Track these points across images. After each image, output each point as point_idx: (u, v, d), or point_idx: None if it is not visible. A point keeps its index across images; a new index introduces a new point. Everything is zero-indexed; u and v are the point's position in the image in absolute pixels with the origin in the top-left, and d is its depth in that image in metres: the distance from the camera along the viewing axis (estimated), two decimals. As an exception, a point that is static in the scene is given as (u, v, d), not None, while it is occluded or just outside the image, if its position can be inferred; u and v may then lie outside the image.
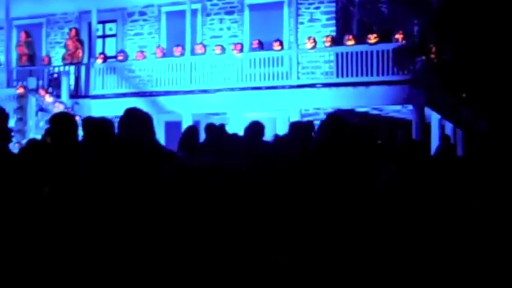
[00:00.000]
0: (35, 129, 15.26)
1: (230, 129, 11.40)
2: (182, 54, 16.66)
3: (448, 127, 16.97)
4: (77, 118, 4.85)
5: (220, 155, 5.20)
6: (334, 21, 16.67)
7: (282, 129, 13.67)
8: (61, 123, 4.12)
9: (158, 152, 4.01)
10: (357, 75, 14.83)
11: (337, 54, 15.19)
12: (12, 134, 9.03)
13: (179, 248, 3.22)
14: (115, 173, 3.57)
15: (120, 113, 4.34)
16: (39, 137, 8.13)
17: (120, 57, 17.48)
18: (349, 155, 3.50)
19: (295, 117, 14.41)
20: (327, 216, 3.23)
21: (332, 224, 3.22)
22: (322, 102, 15.33)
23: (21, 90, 16.40)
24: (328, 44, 15.44)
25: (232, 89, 15.79)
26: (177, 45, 16.75)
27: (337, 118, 3.75)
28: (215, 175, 3.33)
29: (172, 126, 16.73)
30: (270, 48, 15.85)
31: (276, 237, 3.14)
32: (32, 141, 7.86)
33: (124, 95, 16.44)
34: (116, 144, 3.96)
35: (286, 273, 3.06)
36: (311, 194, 3.27)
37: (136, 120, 4.02)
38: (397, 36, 14.66)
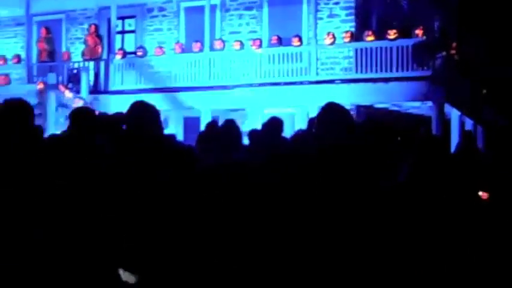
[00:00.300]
0: (55, 125, 15.34)
1: (249, 125, 11.39)
2: (201, 50, 16.66)
3: (468, 123, 16.83)
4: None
5: (236, 152, 5.18)
6: (353, 17, 16.57)
7: (301, 125, 13.62)
8: (80, 118, 4.12)
9: (168, 147, 3.99)
10: (376, 71, 14.76)
11: (356, 50, 15.12)
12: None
13: (185, 246, 3.22)
14: (127, 169, 3.56)
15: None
16: (59, 132, 8.17)
17: (139, 53, 17.54)
18: (360, 152, 3.47)
19: (314, 113, 14.29)
20: (342, 214, 3.20)
21: (348, 222, 3.20)
22: (341, 98, 15.14)
23: (41, 86, 16.51)
24: (347, 39, 15.38)
25: (251, 85, 15.77)
26: (196, 41, 16.76)
27: (335, 110, 3.69)
28: (225, 174, 3.31)
29: (191, 122, 16.76)
30: (289, 44, 15.80)
31: (290, 236, 3.12)
32: (52, 137, 7.91)
33: (143, 90, 16.46)
34: (124, 139, 3.94)
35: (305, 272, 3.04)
36: (326, 192, 3.25)
37: (143, 114, 4.00)
38: (417, 31, 14.55)
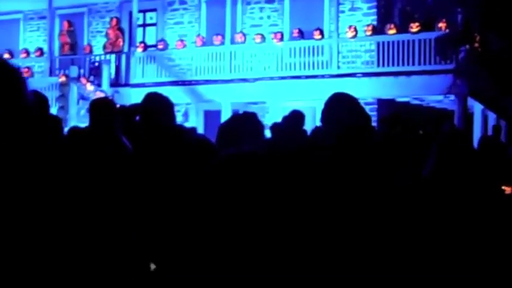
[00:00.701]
0: (76, 117, 15.43)
1: (270, 118, 11.38)
2: (222, 43, 16.66)
3: (491, 117, 16.65)
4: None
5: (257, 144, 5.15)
6: (375, 10, 16.45)
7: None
8: (100, 109, 4.11)
9: (180, 137, 3.97)
10: (398, 64, 14.66)
11: (378, 44, 15.03)
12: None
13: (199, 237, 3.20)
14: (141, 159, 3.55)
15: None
16: (82, 125, 8.20)
17: (160, 46, 17.57)
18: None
19: (335, 107, 14.26)
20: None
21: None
22: (362, 92, 15.14)
23: (63, 79, 16.61)
24: (369, 33, 15.29)
25: (271, 78, 15.73)
26: (217, 34, 16.75)
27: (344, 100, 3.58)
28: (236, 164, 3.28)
29: (211, 115, 16.77)
30: (311, 37, 15.74)
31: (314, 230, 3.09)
32: (74, 129, 7.93)
33: (163, 83, 16.50)
34: (137, 129, 3.93)
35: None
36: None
37: (156, 105, 3.98)
38: (440, 24, 14.41)
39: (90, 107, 4.17)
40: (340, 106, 3.33)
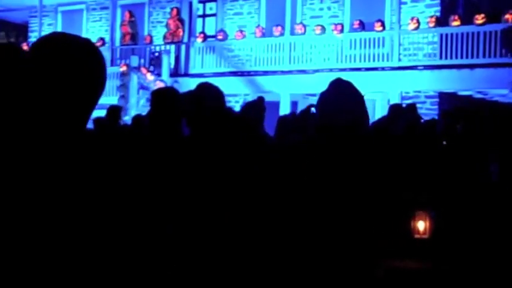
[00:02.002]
0: (136, 107, 15.62)
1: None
2: (281, 34, 16.58)
3: (559, 113, 16.11)
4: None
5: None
6: (438, 1, 16.08)
7: (381, 112, 13.37)
8: (163, 98, 4.08)
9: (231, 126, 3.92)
10: (461, 57, 14.32)
11: (441, 35, 14.71)
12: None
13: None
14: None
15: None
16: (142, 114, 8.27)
17: (219, 37, 17.61)
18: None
19: (395, 100, 14.06)
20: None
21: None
22: (423, 85, 14.93)
23: (124, 68, 16.83)
24: (432, 24, 14.96)
25: (331, 70, 15.57)
26: (277, 25, 16.68)
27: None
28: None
29: (269, 106, 16.68)
30: (371, 29, 15.51)
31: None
32: (138, 117, 7.96)
33: (222, 74, 16.54)
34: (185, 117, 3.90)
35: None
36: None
37: (209, 95, 3.94)
38: (506, 16, 13.98)
39: (152, 96, 4.14)
40: (339, 95, 3.14)
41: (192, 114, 3.68)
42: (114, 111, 9.15)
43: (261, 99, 6.24)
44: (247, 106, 5.78)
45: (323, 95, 3.11)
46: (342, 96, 3.06)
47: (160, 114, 3.99)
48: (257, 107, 6.00)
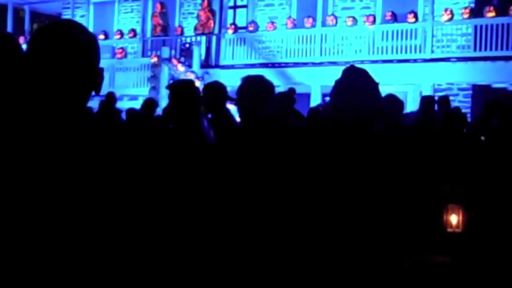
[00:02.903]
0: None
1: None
2: (313, 26, 16.49)
3: None
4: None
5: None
6: (473, -8, 15.85)
7: (413, 104, 13.22)
8: (181, 91, 4.05)
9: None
10: (496, 49, 14.11)
11: (475, 27, 14.50)
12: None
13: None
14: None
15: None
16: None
17: (250, 28, 17.57)
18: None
19: (428, 92, 13.89)
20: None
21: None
22: (456, 77, 14.73)
23: (155, 60, 16.89)
24: (466, 16, 14.75)
25: (362, 62, 15.42)
26: (308, 17, 16.59)
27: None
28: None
29: (300, 98, 16.62)
30: (404, 21, 15.34)
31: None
32: (131, 111, 7.99)
33: (253, 65, 16.49)
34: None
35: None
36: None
37: (256, 89, 3.90)
38: (543, 7, 13.74)
39: (170, 90, 4.09)
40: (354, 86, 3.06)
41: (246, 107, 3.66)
42: (150, 104, 9.25)
43: (291, 91, 6.22)
44: (278, 97, 5.75)
45: (336, 84, 3.05)
46: (353, 87, 2.99)
47: (179, 108, 3.95)
48: (288, 98, 5.98)
